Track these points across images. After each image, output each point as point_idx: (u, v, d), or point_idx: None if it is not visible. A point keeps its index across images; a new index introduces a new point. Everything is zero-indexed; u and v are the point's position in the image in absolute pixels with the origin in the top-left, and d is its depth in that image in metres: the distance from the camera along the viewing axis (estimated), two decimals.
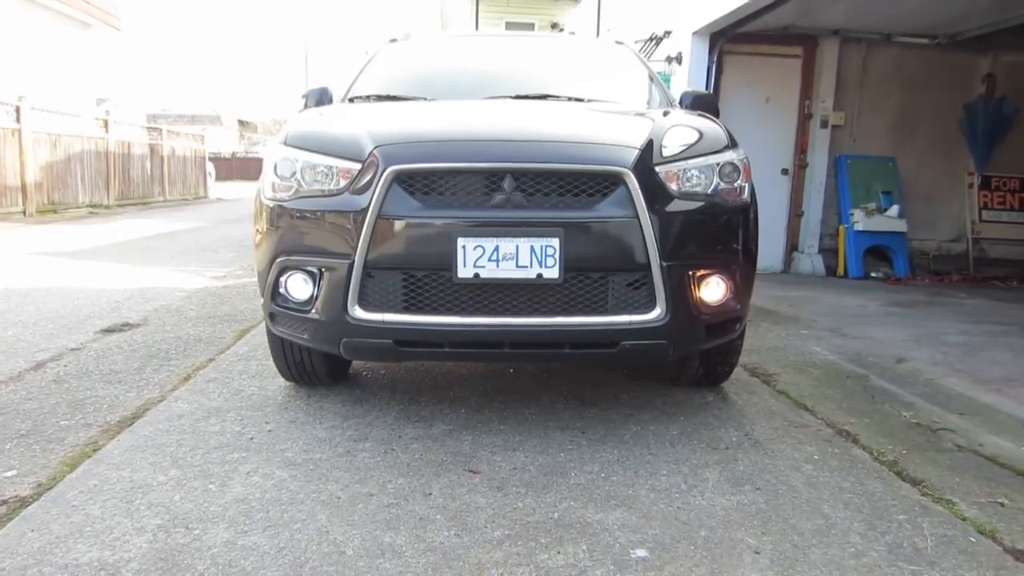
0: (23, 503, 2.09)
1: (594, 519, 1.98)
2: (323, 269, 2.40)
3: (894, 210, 7.41)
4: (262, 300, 2.65)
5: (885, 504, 2.07)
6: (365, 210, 2.29)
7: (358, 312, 2.36)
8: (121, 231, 11.04)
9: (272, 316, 2.63)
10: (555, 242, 2.27)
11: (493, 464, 2.36)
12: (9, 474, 2.31)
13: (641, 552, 1.81)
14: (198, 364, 3.60)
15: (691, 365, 3.02)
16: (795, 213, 7.61)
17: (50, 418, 2.83)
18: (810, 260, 7.57)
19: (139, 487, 2.16)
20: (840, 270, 7.48)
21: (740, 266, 2.58)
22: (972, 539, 1.87)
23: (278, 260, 2.48)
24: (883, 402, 3.07)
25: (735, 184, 2.56)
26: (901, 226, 7.40)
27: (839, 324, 4.79)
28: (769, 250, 7.31)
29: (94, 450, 2.45)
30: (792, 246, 7.69)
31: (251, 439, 2.55)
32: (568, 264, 2.29)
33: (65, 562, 1.74)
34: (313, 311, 2.45)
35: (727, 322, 2.61)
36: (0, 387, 3.31)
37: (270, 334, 2.87)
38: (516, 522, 1.96)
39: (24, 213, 11.30)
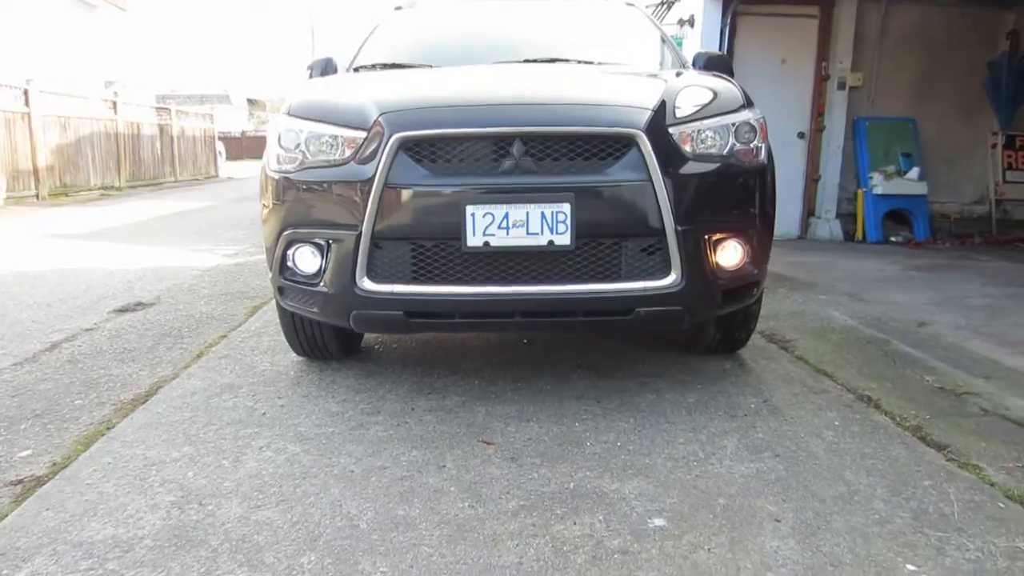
0: (38, 482, 2.09)
1: (610, 489, 1.95)
2: (330, 241, 2.36)
3: (914, 173, 7.24)
4: (270, 274, 2.62)
5: (909, 470, 2.02)
6: (371, 180, 2.24)
7: (367, 284, 2.32)
8: (133, 212, 11.07)
9: (281, 290, 2.59)
10: (566, 208, 2.21)
11: (507, 435, 2.33)
12: (24, 454, 2.31)
13: (659, 521, 1.78)
14: (211, 341, 3.59)
15: (707, 332, 2.97)
16: (812, 178, 7.46)
17: (64, 398, 2.83)
18: (828, 225, 7.44)
19: (153, 464, 2.15)
20: (858, 235, 7.35)
21: (757, 229, 2.51)
22: (1000, 504, 1.81)
23: (285, 233, 2.44)
24: (905, 367, 3.00)
25: (751, 145, 2.47)
26: (921, 189, 7.23)
27: (858, 289, 4.70)
28: (786, 216, 7.17)
29: (108, 428, 2.45)
30: (809, 211, 7.55)
31: (264, 414, 2.53)
32: (580, 230, 2.23)
33: (80, 540, 1.74)
34: (321, 284, 2.42)
35: (744, 287, 2.54)
36: (17, 369, 3.32)
37: (280, 309, 2.84)
38: (531, 492, 1.93)
39: (37, 196, 11.34)
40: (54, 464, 2.21)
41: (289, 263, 2.47)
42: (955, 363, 3.04)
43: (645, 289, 2.32)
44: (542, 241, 2.24)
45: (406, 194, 2.25)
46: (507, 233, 2.23)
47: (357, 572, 1.59)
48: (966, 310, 4.07)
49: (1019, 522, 1.73)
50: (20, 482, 2.11)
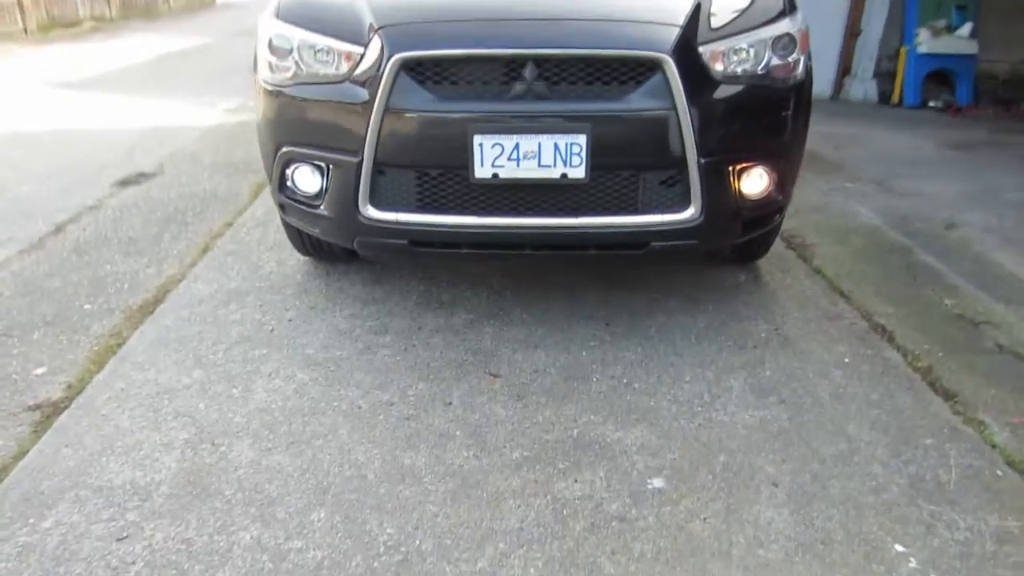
0: (55, 409, 2.14)
1: (613, 438, 1.98)
2: (331, 164, 2.22)
3: (966, 28, 6.63)
4: (269, 186, 2.51)
5: (913, 425, 2.02)
6: (371, 103, 2.05)
7: (370, 211, 2.22)
8: (128, 51, 10.54)
9: (282, 207, 2.49)
10: (582, 139, 2.04)
11: (514, 365, 2.33)
12: (39, 371, 2.36)
13: (658, 482, 1.82)
14: (216, 230, 3.53)
15: (724, 249, 2.87)
16: (852, 33, 6.86)
17: (73, 301, 2.84)
18: (863, 86, 6.96)
19: (165, 391, 2.19)
20: (895, 97, 6.89)
21: (787, 154, 2.33)
22: (999, 472, 1.83)
23: (282, 151, 2.29)
24: (925, 284, 2.92)
25: (789, 59, 2.22)
26: (971, 47, 6.66)
27: (887, 174, 4.48)
28: (819, 74, 6.64)
29: (118, 344, 2.47)
30: (844, 70, 7.03)
31: (272, 331, 2.54)
32: (596, 163, 2.08)
33: (100, 484, 1.81)
34: (323, 207, 2.31)
35: (766, 215, 2.42)
36: (24, 257, 3.31)
37: (283, 218, 2.75)
38: (535, 441, 1.97)
39: (25, 31, 10.75)
40: (69, 387, 2.26)
41: (288, 182, 2.35)
42: (978, 281, 2.95)
43: (662, 223, 2.21)
44: (555, 174, 2.09)
45: (409, 120, 2.07)
46: (517, 165, 2.08)
47: (365, 532, 1.66)
48: (1000, 207, 3.89)
49: (1013, 496, 1.76)
50: (38, 407, 2.17)
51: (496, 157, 2.08)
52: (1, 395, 2.24)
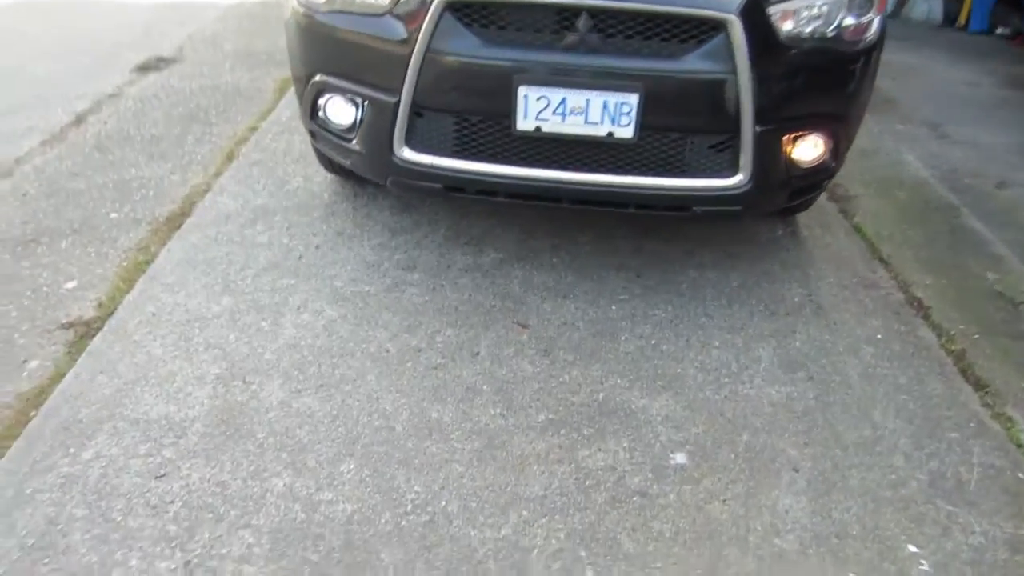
0: (88, 329, 2.17)
1: (638, 406, 1.99)
2: (366, 100, 2.10)
3: None
4: (299, 110, 2.40)
5: (939, 415, 2.02)
6: (412, 41, 1.92)
7: (405, 152, 2.13)
8: None
9: (312, 134, 2.40)
10: (633, 99, 1.92)
11: (542, 315, 2.32)
12: (70, 285, 2.37)
13: (680, 458, 1.84)
14: (240, 135, 3.43)
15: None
16: None
17: (99, 207, 2.81)
18: (927, 4, 6.48)
19: (195, 319, 2.20)
20: (961, 19, 6.43)
21: (847, 122, 2.20)
22: (1020, 475, 1.84)
23: (315, 80, 2.17)
24: (969, 253, 2.83)
25: (864, 19, 2.04)
26: None
27: (942, 116, 4.25)
28: None
29: (147, 261, 2.46)
30: None
31: (300, 258, 2.51)
32: (645, 123, 1.96)
33: (136, 416, 1.85)
34: (355, 142, 2.21)
35: (816, 183, 2.31)
36: (46, 150, 3.25)
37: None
38: (561, 402, 1.98)
39: None
40: (100, 305, 2.27)
41: (320, 112, 2.24)
42: None
43: (707, 187, 2.11)
44: (601, 132, 1.98)
45: (451, 63, 1.94)
46: (563, 120, 1.97)
47: (393, 488, 1.71)
48: None
49: None
50: (71, 325, 2.19)
51: (541, 110, 1.96)
52: (35, 308, 2.26)
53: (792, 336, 2.30)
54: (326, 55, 2.13)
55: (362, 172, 2.36)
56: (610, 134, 1.99)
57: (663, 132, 2.04)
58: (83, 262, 2.48)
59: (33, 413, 1.86)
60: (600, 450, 1.85)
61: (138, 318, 2.19)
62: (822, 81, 2.07)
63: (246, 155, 3.20)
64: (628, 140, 2.00)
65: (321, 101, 2.21)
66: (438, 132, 2.10)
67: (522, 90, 1.93)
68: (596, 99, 1.93)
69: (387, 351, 2.13)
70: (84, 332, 2.16)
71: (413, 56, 1.93)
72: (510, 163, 2.10)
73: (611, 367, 2.13)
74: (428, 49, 1.92)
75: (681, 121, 2.05)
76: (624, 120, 1.96)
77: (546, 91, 1.94)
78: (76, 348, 2.10)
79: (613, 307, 2.40)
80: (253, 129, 3.48)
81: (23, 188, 2.95)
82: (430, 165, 2.14)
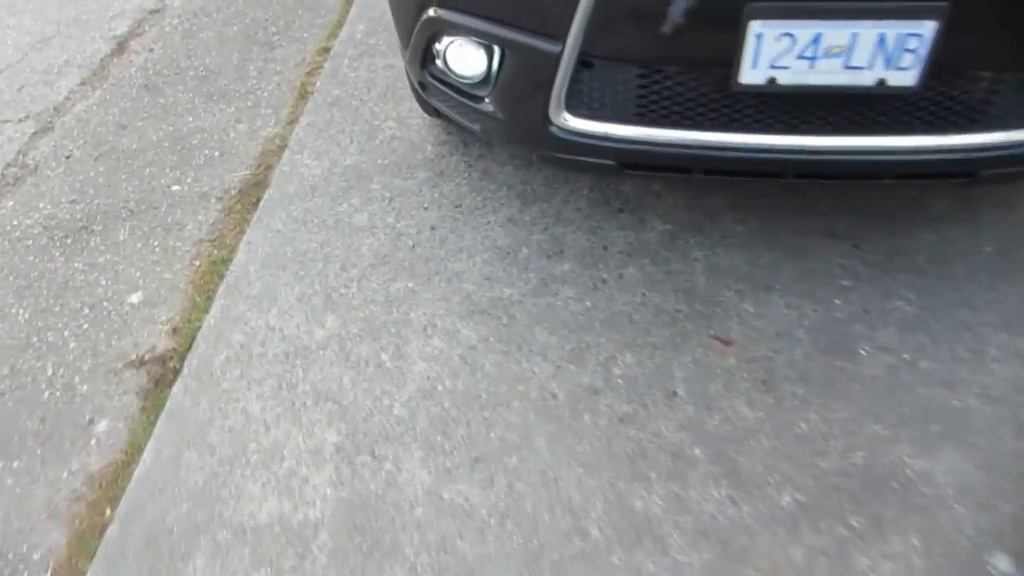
0: (164, 370, 1.70)
1: (916, 470, 1.40)
2: (506, 47, 1.43)
3: None
4: (403, 54, 1.74)
5: None
6: None
7: (566, 119, 1.47)
8: None
9: (423, 86, 1.74)
10: (927, 28, 1.20)
11: (745, 322, 1.71)
12: (134, 299, 1.90)
13: (1004, 564, 1.28)
14: (310, 60, 2.78)
15: None
16: None
17: (157, 175, 2.28)
18: None
19: (295, 352, 1.69)
20: None
21: None
22: None
23: (429, 15, 1.49)
24: None
25: None
26: None
27: None
28: None
29: (223, 260, 1.95)
30: None
31: (413, 247, 1.94)
32: (938, 61, 1.25)
33: (240, 521, 1.40)
34: (489, 102, 1.56)
35: None
36: (88, 92, 2.72)
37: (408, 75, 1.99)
38: (807, 472, 1.42)
39: None
40: (174, 331, 1.80)
41: (438, 60, 1.58)
42: None
43: (1010, 143, 1.40)
44: (866, 80, 1.27)
45: None
46: (811, 65, 1.26)
47: None
48: None
49: None
50: (143, 363, 1.74)
51: (780, 54, 1.26)
52: (96, 334, 1.81)
53: None
54: None
55: (499, 142, 1.74)
56: (881, 81, 1.28)
57: (962, 73, 1.32)
58: (147, 261, 1.99)
59: (108, 512, 1.44)
60: (884, 556, 1.31)
61: (224, 352, 1.70)
62: None
63: (322, 91, 2.56)
64: (906, 88, 1.29)
65: (439, 46, 1.54)
66: (614, 90, 1.43)
67: (756, 25, 1.23)
68: (868, 33, 1.21)
69: (553, 395, 1.59)
70: (159, 375, 1.70)
71: None
72: (720, 128, 1.43)
73: (859, 404, 1.54)
74: None
75: (995, 54, 1.31)
76: (906, 60, 1.24)
77: (792, 25, 1.23)
78: (152, 402, 1.64)
79: (836, 301, 1.76)
80: (324, 52, 2.81)
81: (66, 148, 2.44)
82: (601, 135, 1.48)
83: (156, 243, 2.04)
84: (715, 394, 1.57)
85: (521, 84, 1.47)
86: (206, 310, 1.81)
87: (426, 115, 2.31)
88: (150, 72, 2.79)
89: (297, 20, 3.06)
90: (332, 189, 2.14)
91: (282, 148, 2.32)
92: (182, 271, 1.95)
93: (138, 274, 1.95)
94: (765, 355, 1.64)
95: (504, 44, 1.42)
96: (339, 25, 2.98)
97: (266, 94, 2.61)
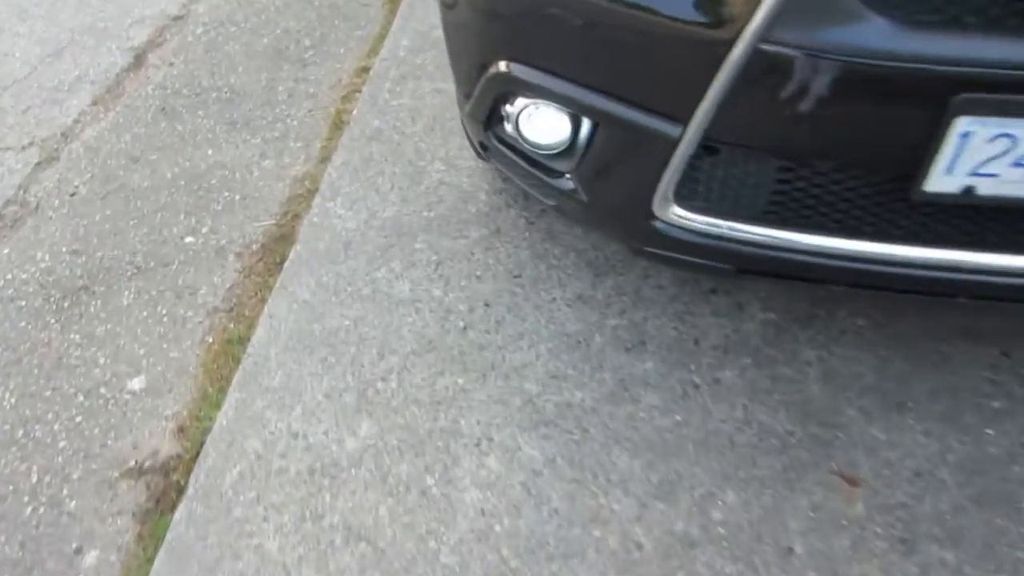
0: (166, 482, 1.42)
1: None
2: (602, 119, 1.11)
3: None
4: (463, 108, 1.42)
5: None
6: (732, 23, 0.89)
7: (675, 212, 1.15)
8: None
9: (484, 147, 1.43)
10: None
11: (874, 453, 1.38)
12: (136, 385, 1.62)
13: None
14: (347, 82, 2.48)
15: None
16: None
17: (169, 223, 2.01)
18: None
19: (322, 470, 1.40)
20: None
21: None
22: None
23: (494, 73, 1.17)
24: None
25: None
26: None
27: None
28: None
29: (240, 339, 1.66)
30: None
31: (464, 329, 1.64)
32: None
33: None
34: (570, 179, 1.24)
35: None
36: (100, 114, 2.46)
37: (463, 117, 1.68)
38: None
39: None
40: (180, 430, 1.52)
41: (506, 123, 1.26)
42: None
43: None
44: None
45: (804, 68, 0.90)
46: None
47: None
48: None
49: None
50: (142, 473, 1.47)
51: (989, 159, 0.93)
52: (89, 429, 1.54)
53: None
54: (528, 32, 1.11)
55: (583, 225, 1.42)
56: None
57: None
58: (152, 335, 1.71)
59: None
60: None
61: (238, 465, 1.42)
62: None
63: (359, 121, 2.25)
64: None
65: (510, 108, 1.22)
66: (744, 182, 1.10)
67: (963, 123, 0.90)
68: None
69: (638, 546, 1.28)
70: (161, 491, 1.42)
71: (730, 55, 0.90)
72: (881, 239, 1.10)
73: None
74: (763, 41, 0.89)
75: None
76: None
77: (1016, 125, 0.89)
78: (150, 528, 1.37)
79: (988, 430, 1.42)
80: (363, 72, 2.50)
81: (72, 183, 2.18)
82: (719, 235, 1.15)
83: (164, 311, 1.76)
84: (842, 555, 1.25)
85: (618, 166, 1.15)
86: (218, 404, 1.53)
87: (478, 159, 2.00)
88: (168, 92, 2.51)
89: (333, 32, 2.76)
90: (369, 248, 1.84)
91: (312, 192, 2.03)
92: (192, 349, 1.67)
93: (142, 351, 1.68)
94: (902, 502, 1.32)
95: (598, 117, 1.10)
96: (380, 39, 2.66)
97: (296, 123, 2.32)
